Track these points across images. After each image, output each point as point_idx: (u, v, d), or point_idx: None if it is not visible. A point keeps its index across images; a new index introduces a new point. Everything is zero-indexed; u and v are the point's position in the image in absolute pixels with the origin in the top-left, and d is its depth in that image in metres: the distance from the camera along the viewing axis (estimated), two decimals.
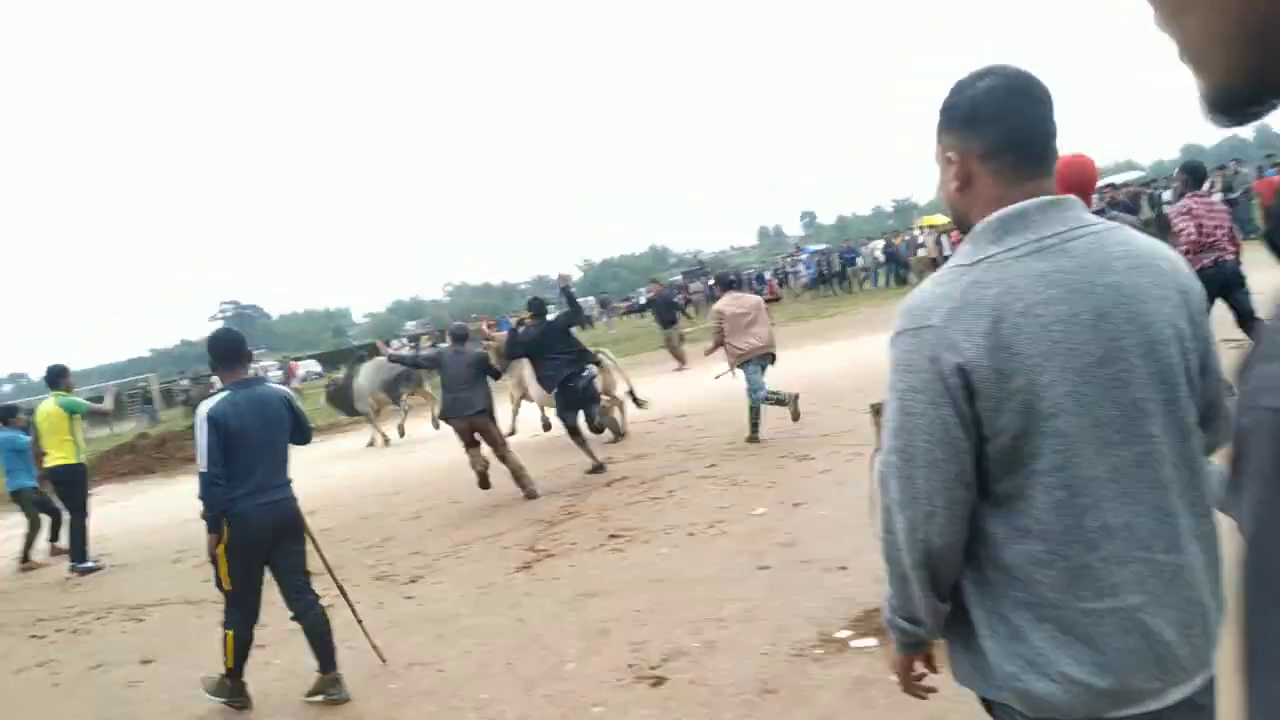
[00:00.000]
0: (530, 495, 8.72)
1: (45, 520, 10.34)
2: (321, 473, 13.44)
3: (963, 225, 1.61)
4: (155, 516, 12.04)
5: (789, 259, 41.89)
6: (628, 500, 7.93)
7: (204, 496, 4.69)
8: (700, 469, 8.59)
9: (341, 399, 17.03)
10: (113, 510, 13.50)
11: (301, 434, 5.15)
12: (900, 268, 32.00)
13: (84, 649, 6.62)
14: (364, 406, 16.29)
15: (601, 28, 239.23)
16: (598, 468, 9.35)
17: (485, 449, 8.89)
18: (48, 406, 9.80)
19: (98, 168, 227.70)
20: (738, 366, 9.48)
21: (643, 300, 31.11)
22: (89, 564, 9.39)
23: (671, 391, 14.12)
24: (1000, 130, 1.52)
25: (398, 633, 5.66)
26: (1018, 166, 1.53)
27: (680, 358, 18.72)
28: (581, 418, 9.52)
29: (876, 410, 4.50)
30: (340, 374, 21.67)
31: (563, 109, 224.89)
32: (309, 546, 5.14)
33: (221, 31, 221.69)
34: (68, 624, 7.39)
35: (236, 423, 4.71)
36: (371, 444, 16.04)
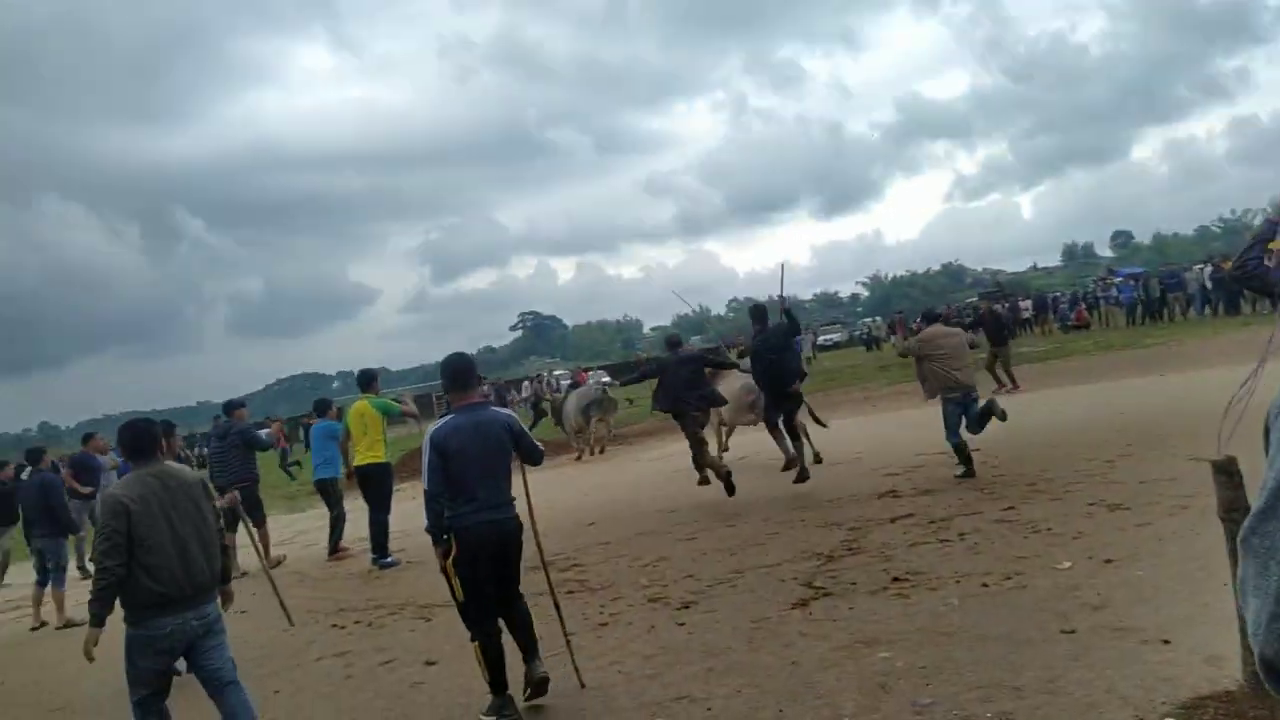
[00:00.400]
0: (721, 483, 10.02)
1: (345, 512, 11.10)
2: (598, 483, 13.76)
3: None
4: None
5: (1100, 282, 38.71)
6: (914, 540, 7.42)
7: (427, 513, 5.00)
8: (995, 511, 7.93)
9: (557, 416, 21.00)
10: (412, 507, 14.42)
11: (529, 456, 5.36)
12: (1233, 295, 28.75)
13: (376, 643, 7.00)
14: (568, 426, 19.58)
15: None
16: (791, 464, 10.79)
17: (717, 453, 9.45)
18: (362, 407, 10.35)
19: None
20: (933, 398, 9.82)
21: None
22: (389, 559, 9.98)
23: None
24: None
25: (668, 659, 5.53)
26: None
27: (1010, 379, 17.80)
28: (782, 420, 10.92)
29: (1221, 469, 3.85)
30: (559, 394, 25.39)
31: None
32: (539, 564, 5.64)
33: None
34: (364, 616, 7.87)
35: (456, 445, 4.96)
36: (579, 458, 18.64)
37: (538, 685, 5.11)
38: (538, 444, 5.54)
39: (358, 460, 10.33)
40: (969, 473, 9.47)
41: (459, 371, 5.28)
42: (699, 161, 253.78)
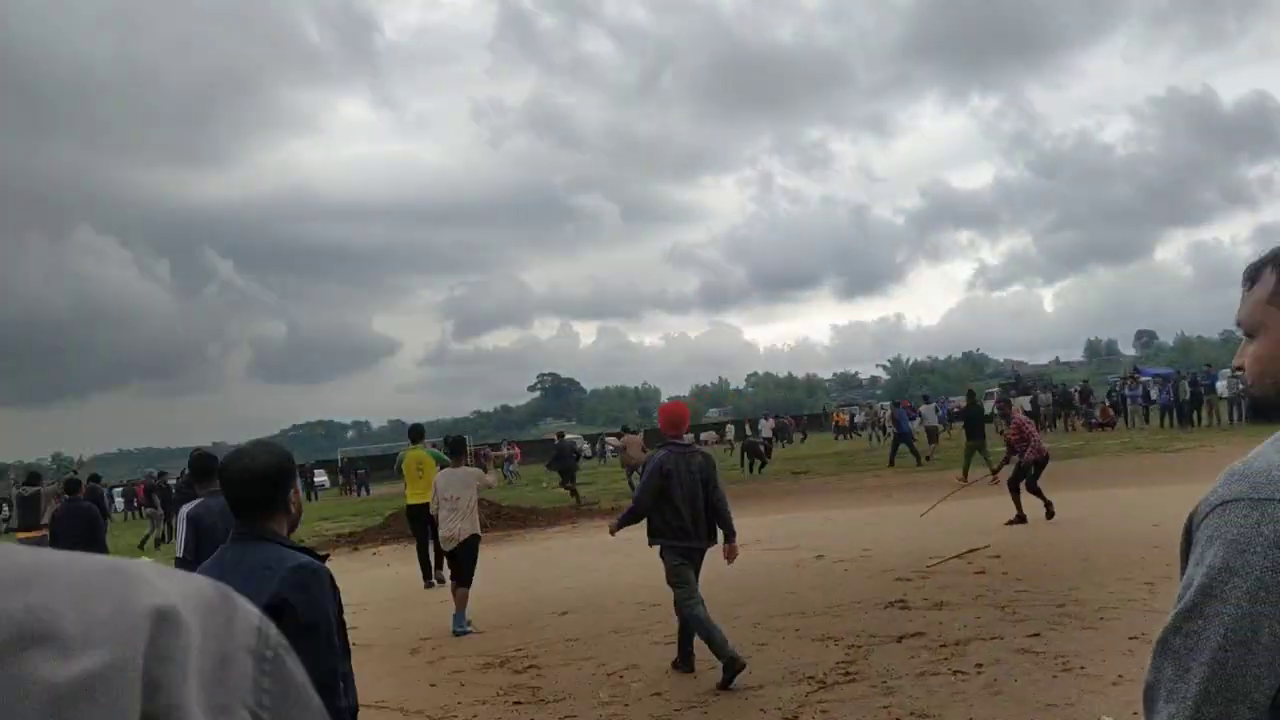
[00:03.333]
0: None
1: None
2: (584, 564, 12.69)
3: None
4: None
5: (1126, 381, 37.46)
6: (922, 668, 6.34)
7: None
8: (1019, 638, 6.84)
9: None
10: (386, 573, 13.46)
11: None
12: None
13: None
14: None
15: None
16: None
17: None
18: (419, 454, 12.47)
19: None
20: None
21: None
22: (431, 581, 12.00)
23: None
24: None
25: None
26: None
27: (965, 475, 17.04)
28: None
29: None
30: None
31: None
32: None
33: None
34: None
35: (209, 522, 5.45)
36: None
37: None
38: None
39: (412, 499, 12.24)
40: None
41: (206, 467, 6.14)
42: (724, 235, 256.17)
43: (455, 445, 10.40)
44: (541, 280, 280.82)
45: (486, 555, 14.54)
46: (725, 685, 6.26)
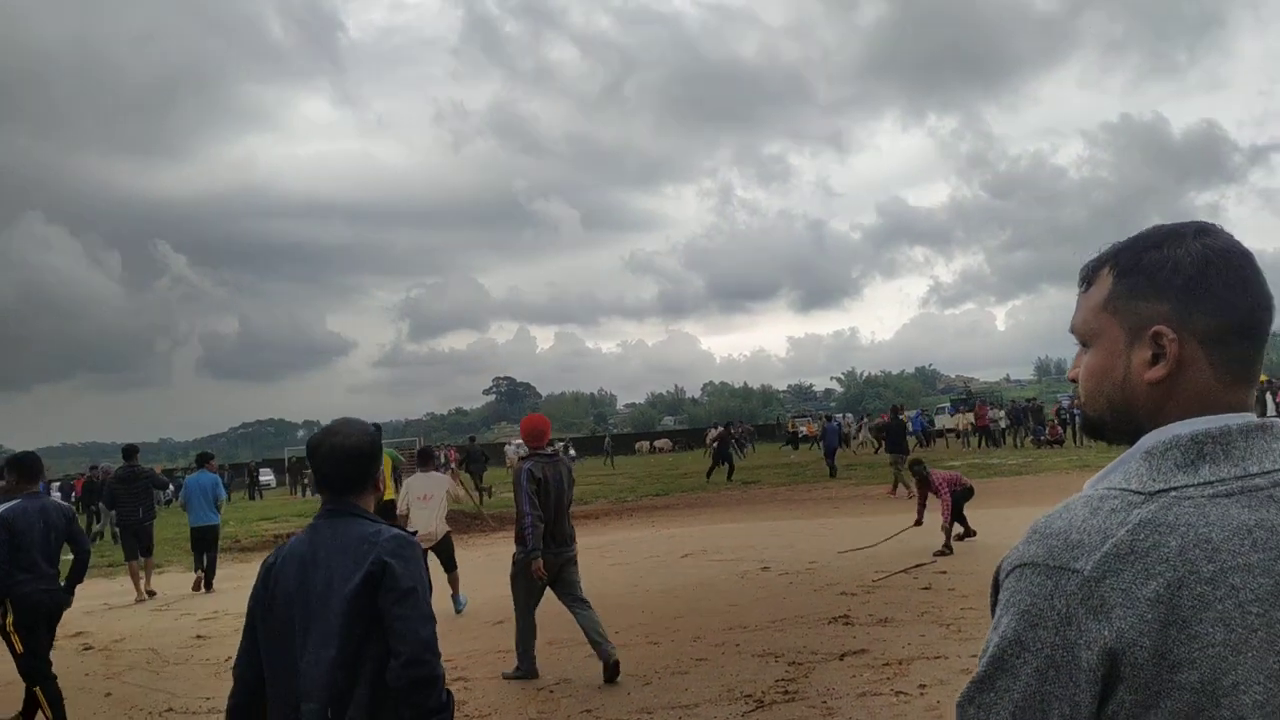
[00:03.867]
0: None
1: None
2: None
3: (1115, 426, 1.20)
4: None
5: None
6: (864, 688, 6.10)
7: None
8: (964, 658, 6.62)
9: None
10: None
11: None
12: None
13: None
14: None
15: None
16: None
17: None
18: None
19: None
20: None
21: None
22: None
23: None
24: (1243, 310, 1.13)
25: None
26: (1246, 363, 1.14)
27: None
28: None
29: None
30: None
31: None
32: None
33: None
34: None
35: (23, 525, 5.87)
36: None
37: None
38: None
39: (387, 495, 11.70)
40: None
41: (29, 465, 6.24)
42: (683, 245, 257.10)
43: (425, 455, 11.41)
44: (500, 284, 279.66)
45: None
46: (509, 676, 6.94)
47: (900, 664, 6.60)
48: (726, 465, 29.52)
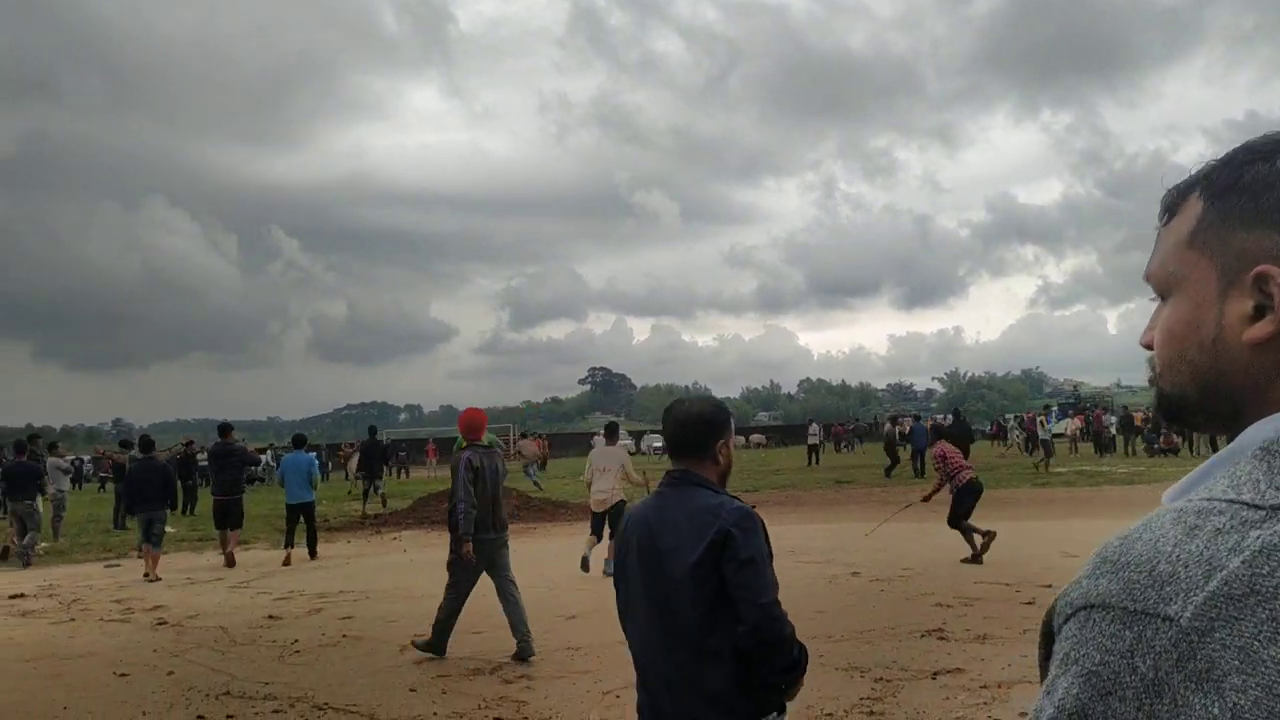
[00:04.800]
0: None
1: None
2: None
3: (1200, 405, 0.84)
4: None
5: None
6: (956, 711, 5.54)
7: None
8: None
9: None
10: (377, 563, 12.96)
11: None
12: None
13: None
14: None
15: None
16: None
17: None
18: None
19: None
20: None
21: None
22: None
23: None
24: None
25: None
26: None
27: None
28: None
29: None
30: None
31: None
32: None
33: None
34: (245, 708, 6.23)
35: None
36: None
37: None
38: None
39: None
40: None
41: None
42: (784, 239, 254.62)
43: (611, 430, 12.73)
44: (598, 275, 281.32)
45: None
46: (417, 643, 7.50)
47: (999, 687, 6.01)
48: (892, 461, 28.61)
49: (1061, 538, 11.92)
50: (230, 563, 13.45)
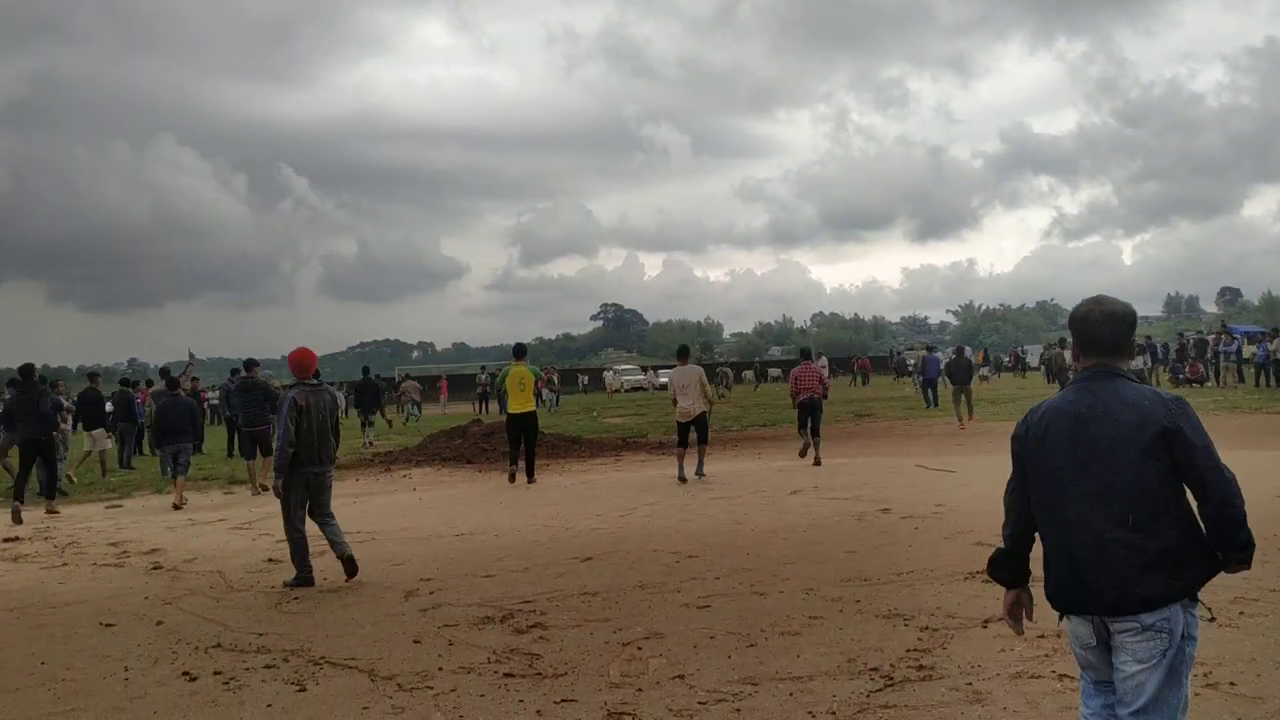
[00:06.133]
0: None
1: None
2: (623, 505, 11.46)
3: None
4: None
5: (1219, 336, 34.99)
6: (1016, 666, 4.99)
7: None
8: None
9: None
10: (387, 502, 12.50)
11: None
12: None
13: (212, 717, 4.83)
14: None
15: None
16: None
17: None
18: (521, 370, 14.03)
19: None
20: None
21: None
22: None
23: None
24: None
25: None
26: None
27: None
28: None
29: None
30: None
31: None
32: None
33: None
34: (236, 663, 5.72)
35: None
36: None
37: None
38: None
39: (514, 409, 13.86)
40: None
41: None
42: (795, 172, 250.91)
43: (683, 351, 14.45)
44: (609, 210, 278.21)
45: (519, 487, 13.44)
46: (288, 583, 7.67)
47: (1059, 636, 5.44)
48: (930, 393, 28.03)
49: None
50: (261, 491, 13.90)
